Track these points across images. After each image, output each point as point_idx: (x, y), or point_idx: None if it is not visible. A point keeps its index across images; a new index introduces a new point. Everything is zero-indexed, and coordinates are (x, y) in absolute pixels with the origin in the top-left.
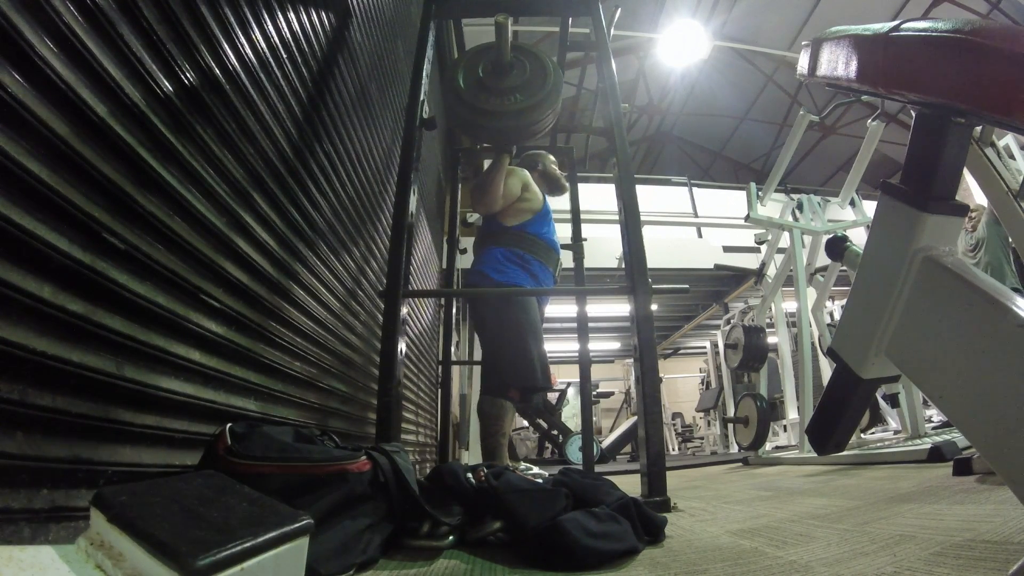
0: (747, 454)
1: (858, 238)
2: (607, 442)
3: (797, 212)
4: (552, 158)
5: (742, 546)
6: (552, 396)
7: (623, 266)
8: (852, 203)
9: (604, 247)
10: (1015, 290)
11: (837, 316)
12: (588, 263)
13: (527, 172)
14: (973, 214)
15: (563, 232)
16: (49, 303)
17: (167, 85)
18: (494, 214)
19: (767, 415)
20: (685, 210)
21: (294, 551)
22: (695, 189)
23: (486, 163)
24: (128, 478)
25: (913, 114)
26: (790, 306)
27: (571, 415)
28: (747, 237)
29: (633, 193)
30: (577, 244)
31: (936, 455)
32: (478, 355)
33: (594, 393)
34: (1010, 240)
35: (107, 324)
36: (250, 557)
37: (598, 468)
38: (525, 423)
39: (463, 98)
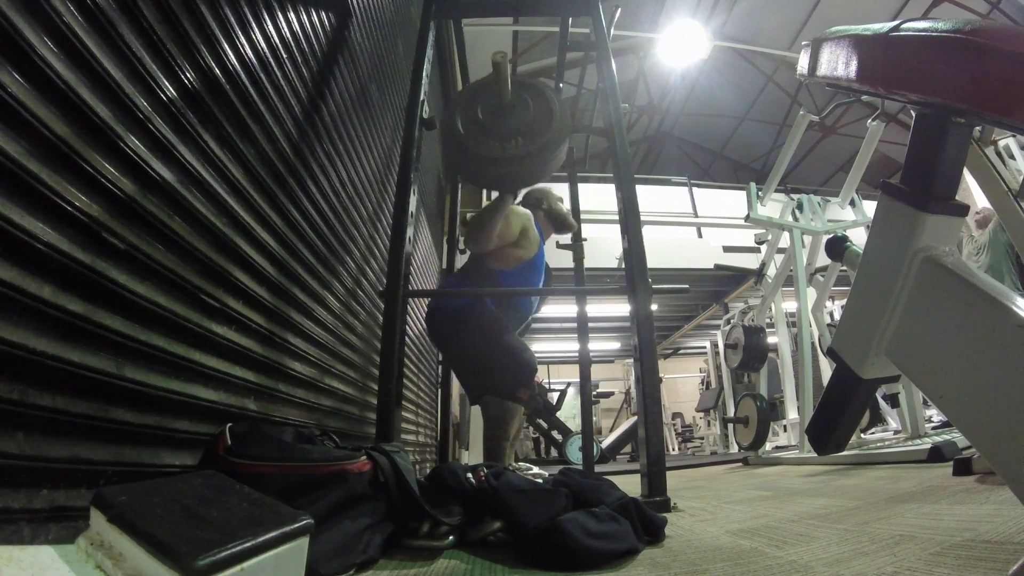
0: (747, 454)
1: (858, 238)
2: (607, 442)
3: (797, 212)
4: (558, 195)
5: (742, 546)
6: (552, 396)
7: (623, 266)
8: (852, 203)
9: (604, 247)
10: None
11: (837, 316)
12: (588, 263)
13: (530, 215)
14: (978, 216)
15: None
16: (49, 303)
17: (167, 85)
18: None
19: (767, 415)
20: (685, 210)
21: (294, 551)
22: (695, 189)
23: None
24: (128, 478)
25: (913, 114)
26: (790, 306)
27: (571, 415)
28: (747, 237)
29: (633, 193)
30: (577, 244)
31: (936, 455)
32: None
33: (594, 393)
34: (1014, 247)
35: (107, 324)
36: (250, 557)
37: (598, 468)
38: (524, 423)
39: (461, 143)
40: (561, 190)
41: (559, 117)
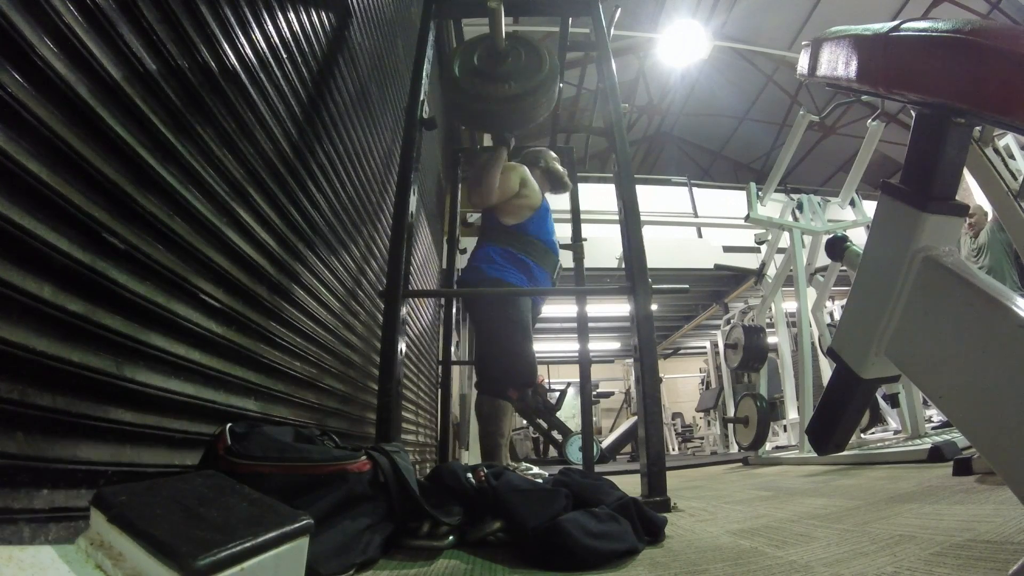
0: (747, 454)
1: (858, 238)
2: (607, 442)
3: (797, 212)
4: (554, 155)
5: (742, 546)
6: (552, 396)
7: (623, 266)
8: (852, 203)
9: (604, 247)
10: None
11: (837, 316)
12: (588, 263)
13: (526, 168)
14: (972, 219)
15: (563, 232)
16: (49, 303)
17: (167, 85)
18: (492, 211)
19: (767, 415)
20: (685, 210)
21: (294, 551)
22: (695, 189)
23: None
24: (128, 478)
25: (913, 114)
26: (790, 306)
27: (571, 415)
28: (747, 237)
29: (633, 193)
30: (577, 244)
31: (936, 455)
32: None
33: (594, 393)
34: (1012, 245)
35: (107, 324)
36: (250, 557)
37: (598, 468)
38: (524, 423)
39: (458, 84)
40: (559, 165)
41: (548, 64)
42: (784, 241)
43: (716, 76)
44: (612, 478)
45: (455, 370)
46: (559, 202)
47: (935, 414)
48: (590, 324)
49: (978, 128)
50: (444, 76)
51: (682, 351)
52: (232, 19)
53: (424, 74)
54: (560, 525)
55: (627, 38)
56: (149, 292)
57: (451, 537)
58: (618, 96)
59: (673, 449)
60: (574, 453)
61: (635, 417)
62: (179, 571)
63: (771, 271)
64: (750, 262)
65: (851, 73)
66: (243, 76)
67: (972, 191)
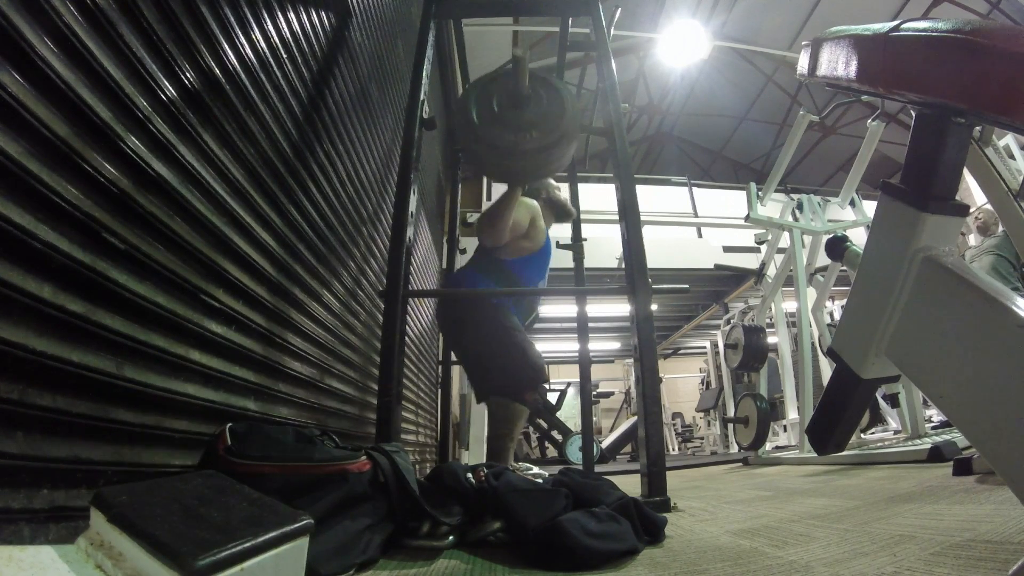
0: (747, 454)
1: (858, 238)
2: (607, 442)
3: (797, 212)
4: (555, 184)
5: (742, 546)
6: (552, 396)
7: (623, 266)
8: (852, 203)
9: (604, 247)
10: (1015, 290)
11: (837, 316)
12: (588, 263)
13: (537, 206)
14: (979, 221)
15: (563, 232)
16: (49, 303)
17: (167, 85)
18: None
19: (767, 415)
20: (685, 210)
21: (294, 551)
22: (695, 189)
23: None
24: (128, 478)
25: (913, 114)
26: (790, 306)
27: (571, 415)
28: (747, 237)
29: (633, 193)
30: (577, 244)
31: (936, 455)
32: None
33: (594, 393)
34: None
35: (107, 324)
36: (250, 557)
37: (598, 468)
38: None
39: (478, 133)
40: (562, 192)
41: (571, 112)
42: (784, 241)
43: (716, 76)
44: (612, 478)
45: (455, 370)
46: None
47: (935, 414)
48: (590, 324)
49: (978, 128)
50: (460, 118)
51: (682, 351)
52: (232, 19)
53: (424, 74)
54: (560, 525)
55: (627, 38)
56: (149, 292)
57: (451, 537)
58: (618, 96)
59: (673, 449)
60: (574, 453)
61: (635, 417)
62: (179, 571)
63: (771, 271)
64: (750, 262)
65: (851, 73)
66: (243, 76)
67: (972, 191)
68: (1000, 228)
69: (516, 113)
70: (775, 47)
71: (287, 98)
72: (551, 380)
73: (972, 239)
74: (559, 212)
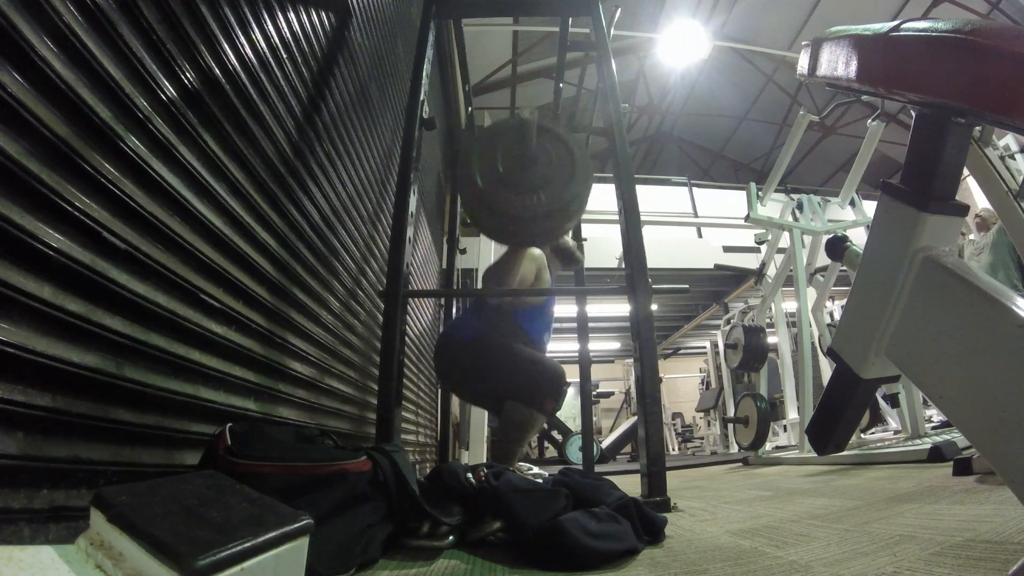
0: (747, 454)
1: (858, 238)
2: (607, 442)
3: (797, 212)
4: None
5: (742, 546)
6: None
7: (623, 266)
8: (852, 203)
9: (604, 247)
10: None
11: (837, 316)
12: (588, 263)
13: (543, 256)
14: (978, 219)
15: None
16: (49, 303)
17: (167, 85)
18: None
19: (767, 415)
20: (685, 210)
21: (294, 551)
22: (695, 189)
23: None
24: (128, 478)
25: (913, 114)
26: (790, 306)
27: (571, 415)
28: (747, 237)
29: (633, 193)
30: (577, 244)
31: (936, 455)
32: None
33: (594, 393)
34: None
35: (107, 324)
36: (250, 557)
37: (598, 468)
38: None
39: (480, 195)
40: (569, 236)
41: (582, 169)
42: (784, 241)
43: (716, 76)
44: (612, 478)
45: None
46: None
47: (935, 414)
48: (590, 324)
49: (978, 128)
50: (463, 178)
51: (682, 351)
52: (232, 19)
53: (424, 74)
54: (560, 525)
55: (627, 38)
56: (149, 292)
57: (451, 537)
58: (618, 96)
59: (673, 449)
60: (574, 453)
61: (635, 417)
62: (179, 571)
63: (771, 271)
64: (750, 262)
65: (851, 73)
66: (243, 76)
67: (972, 191)
68: (997, 223)
69: (522, 174)
70: (775, 47)
71: (287, 98)
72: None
73: (973, 237)
74: (566, 259)
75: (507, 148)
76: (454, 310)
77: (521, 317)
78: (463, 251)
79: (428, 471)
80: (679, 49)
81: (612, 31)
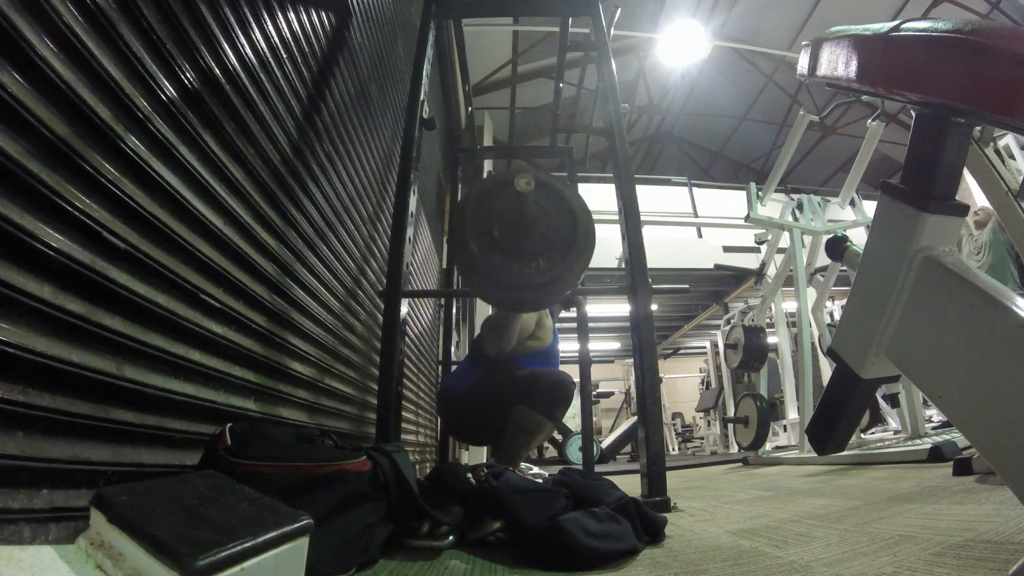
0: (747, 454)
1: (858, 238)
2: (607, 442)
3: (797, 212)
4: None
5: (742, 546)
6: None
7: (623, 266)
8: (852, 203)
9: (604, 247)
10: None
11: (837, 316)
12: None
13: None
14: (977, 217)
15: None
16: (49, 303)
17: (167, 85)
18: None
19: (767, 415)
20: (685, 210)
21: (294, 551)
22: (695, 189)
23: (486, 164)
24: (128, 478)
25: (913, 114)
26: (790, 306)
27: (571, 415)
28: (747, 237)
29: (633, 193)
30: None
31: (936, 455)
32: None
33: (594, 393)
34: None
35: (107, 324)
36: (250, 557)
37: (598, 468)
38: None
39: (477, 265)
40: None
41: (584, 231)
42: (784, 241)
43: (716, 76)
44: (612, 478)
45: None
46: None
47: (935, 414)
48: (590, 324)
49: (978, 128)
50: (455, 244)
51: (682, 351)
52: (232, 19)
53: (424, 74)
54: (560, 525)
55: (627, 38)
56: (149, 292)
57: (451, 537)
58: (618, 96)
59: (673, 449)
60: (574, 453)
61: (635, 417)
62: (179, 571)
63: (771, 271)
64: (750, 262)
65: (851, 73)
66: (243, 76)
67: (972, 191)
68: (991, 221)
69: (518, 240)
70: (775, 47)
71: (287, 98)
72: None
73: (973, 232)
74: (567, 300)
75: (502, 210)
76: (454, 310)
77: (526, 364)
78: None
79: (428, 471)
80: (679, 49)
81: (612, 31)
